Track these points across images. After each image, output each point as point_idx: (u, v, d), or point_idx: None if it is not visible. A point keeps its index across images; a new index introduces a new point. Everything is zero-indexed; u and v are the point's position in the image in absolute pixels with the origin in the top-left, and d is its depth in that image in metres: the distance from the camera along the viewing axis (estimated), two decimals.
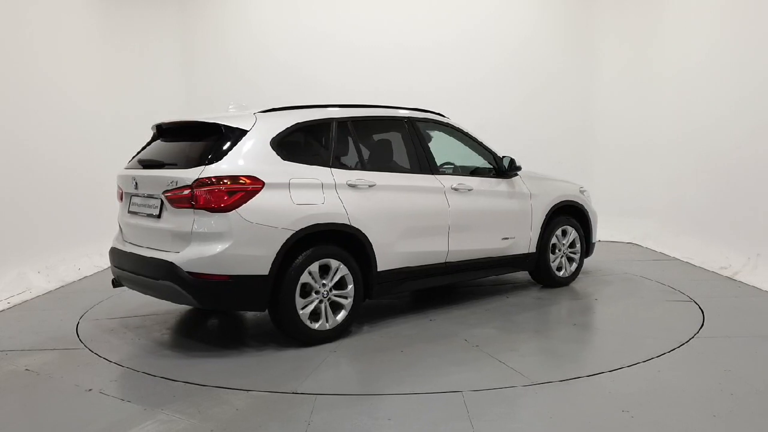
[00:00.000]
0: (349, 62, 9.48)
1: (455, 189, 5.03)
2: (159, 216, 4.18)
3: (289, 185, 4.12)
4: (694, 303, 5.26)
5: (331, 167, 4.40)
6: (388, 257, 4.57)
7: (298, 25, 9.54)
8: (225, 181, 3.92)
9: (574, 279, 6.06)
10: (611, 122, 9.55)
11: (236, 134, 4.13)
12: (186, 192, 3.94)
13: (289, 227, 4.03)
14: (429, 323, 4.78)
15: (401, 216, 4.65)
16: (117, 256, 4.63)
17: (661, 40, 8.50)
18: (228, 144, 4.08)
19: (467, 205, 5.09)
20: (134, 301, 5.55)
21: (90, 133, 7.83)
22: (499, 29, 9.59)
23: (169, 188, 4.05)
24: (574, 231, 5.96)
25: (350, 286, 4.36)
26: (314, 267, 4.17)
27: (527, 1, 9.65)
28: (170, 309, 5.28)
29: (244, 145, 4.10)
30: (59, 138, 7.18)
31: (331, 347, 4.21)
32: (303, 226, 4.09)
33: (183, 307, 5.30)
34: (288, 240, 4.02)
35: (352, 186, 4.42)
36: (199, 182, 3.91)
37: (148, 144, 4.80)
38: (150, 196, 4.29)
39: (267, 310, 4.18)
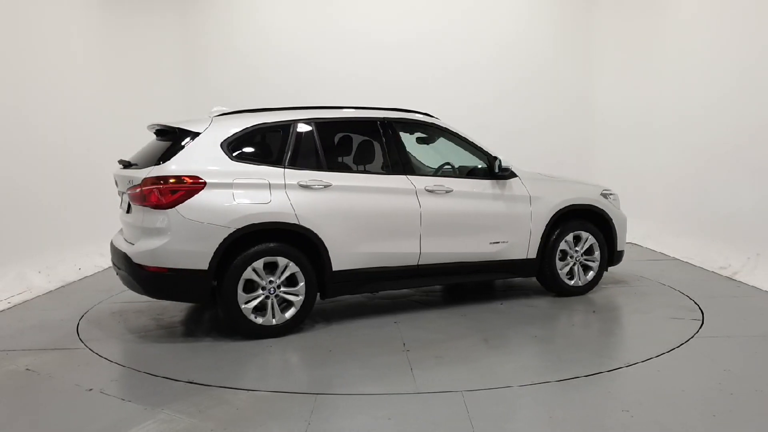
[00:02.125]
0: (349, 61, 9.49)
1: (430, 191, 4.91)
2: (128, 212, 4.61)
3: (232, 185, 4.31)
4: (694, 303, 5.26)
5: (285, 168, 4.53)
6: (344, 257, 4.61)
7: (300, 25, 9.55)
8: (167, 180, 4.22)
9: (590, 288, 5.62)
10: (610, 121, 9.57)
11: (189, 136, 4.43)
12: (138, 190, 4.30)
13: (228, 225, 4.24)
14: (392, 325, 4.75)
15: (360, 216, 4.65)
16: (111, 248, 5.02)
17: (661, 40, 8.49)
18: (180, 145, 4.40)
19: (443, 207, 4.95)
20: (134, 301, 5.55)
21: (91, 133, 7.83)
22: (496, 19, 9.61)
23: (129, 186, 4.44)
24: (590, 237, 5.53)
25: (301, 284, 4.47)
26: (259, 264, 4.35)
27: None
28: (170, 308, 5.28)
29: (195, 146, 4.38)
30: (60, 138, 7.18)
31: (269, 342, 4.33)
32: (243, 225, 4.28)
33: (183, 307, 5.30)
34: (227, 237, 4.23)
35: (305, 186, 4.51)
36: (146, 181, 4.24)
37: None
38: (125, 194, 4.65)
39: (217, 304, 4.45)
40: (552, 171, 6.36)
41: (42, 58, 6.95)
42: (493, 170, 5.22)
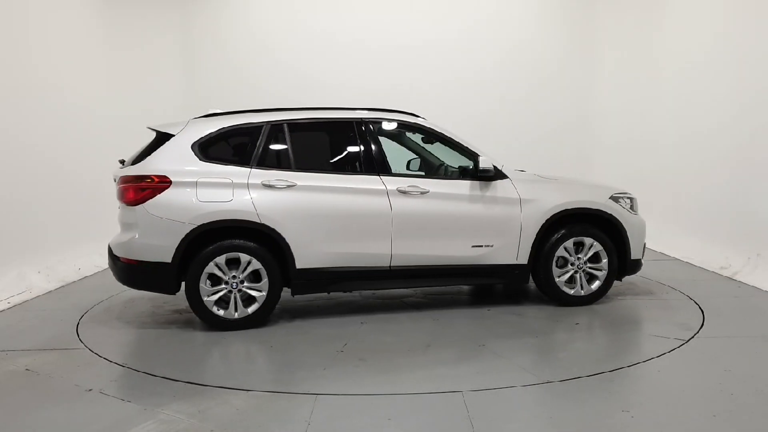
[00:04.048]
0: (350, 60, 9.52)
1: (403, 191, 4.82)
2: (119, 207, 4.88)
3: (196, 184, 4.54)
4: (694, 303, 5.26)
5: (251, 168, 4.69)
6: (309, 256, 4.69)
7: (299, 24, 9.56)
8: (136, 178, 4.57)
9: (596, 299, 5.20)
10: (611, 121, 9.58)
11: (164, 138, 4.73)
12: (117, 188, 4.69)
13: (190, 222, 4.48)
14: (355, 325, 4.78)
15: (325, 216, 4.69)
16: None
17: (663, 39, 8.50)
18: (156, 146, 4.72)
19: (417, 209, 4.83)
20: (134, 301, 5.56)
21: (90, 133, 7.83)
22: (499, 26, 9.63)
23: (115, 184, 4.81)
24: (596, 244, 5.10)
25: (264, 280, 4.62)
26: (221, 259, 4.56)
27: None
28: (169, 308, 5.28)
29: (167, 147, 4.67)
30: (59, 138, 7.18)
31: (223, 335, 4.55)
32: (204, 222, 4.50)
33: (182, 307, 5.30)
34: (189, 233, 4.48)
35: (268, 186, 4.64)
36: (121, 179, 4.65)
37: None
38: None
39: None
40: (556, 172, 6.04)
41: (41, 58, 6.95)
42: (479, 171, 4.97)
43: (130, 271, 4.64)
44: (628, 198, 5.35)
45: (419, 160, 5.56)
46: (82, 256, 7.10)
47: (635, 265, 5.31)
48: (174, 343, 4.48)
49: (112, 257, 4.77)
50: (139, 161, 4.68)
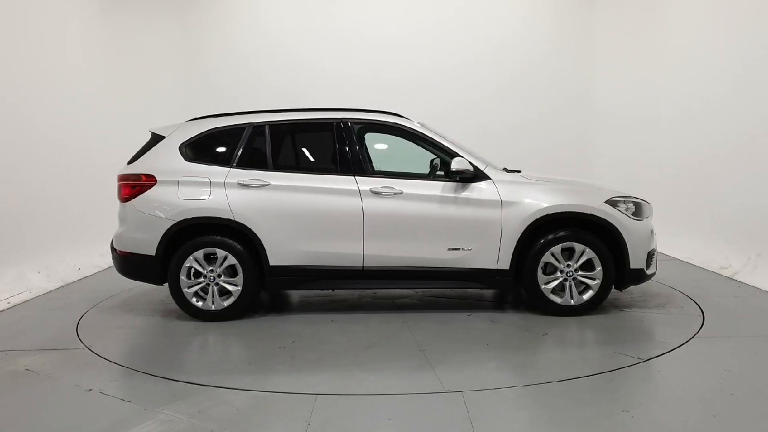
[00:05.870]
0: (349, 59, 9.52)
1: (375, 192, 4.81)
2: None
3: (178, 182, 4.85)
4: (694, 303, 5.26)
5: (231, 167, 4.93)
6: (282, 253, 4.85)
7: (300, 24, 9.57)
8: (128, 177, 4.98)
9: (589, 309, 4.88)
10: (611, 121, 9.58)
11: (157, 139, 5.11)
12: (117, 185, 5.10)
13: (170, 218, 4.81)
14: (323, 323, 4.84)
15: (296, 215, 4.82)
16: None
17: (662, 38, 8.50)
18: (149, 147, 5.10)
19: (390, 209, 4.80)
20: (134, 301, 5.56)
21: (90, 133, 7.84)
22: (498, 24, 9.63)
23: None
24: (588, 250, 4.79)
25: (239, 275, 4.86)
26: (199, 254, 4.85)
27: None
28: (169, 308, 5.28)
29: (158, 148, 5.05)
30: (60, 138, 7.19)
31: (196, 325, 4.84)
32: (183, 218, 4.80)
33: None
34: (170, 228, 4.81)
35: (244, 185, 4.85)
36: (118, 178, 5.06)
37: None
38: None
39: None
40: (555, 172, 5.94)
41: (41, 58, 6.95)
42: (457, 172, 4.82)
43: (123, 261, 5.04)
44: (631, 202, 4.95)
45: (439, 160, 5.27)
46: (82, 256, 7.10)
47: (637, 276, 4.92)
48: (174, 342, 4.48)
49: (112, 248, 5.16)
50: (134, 160, 5.07)
